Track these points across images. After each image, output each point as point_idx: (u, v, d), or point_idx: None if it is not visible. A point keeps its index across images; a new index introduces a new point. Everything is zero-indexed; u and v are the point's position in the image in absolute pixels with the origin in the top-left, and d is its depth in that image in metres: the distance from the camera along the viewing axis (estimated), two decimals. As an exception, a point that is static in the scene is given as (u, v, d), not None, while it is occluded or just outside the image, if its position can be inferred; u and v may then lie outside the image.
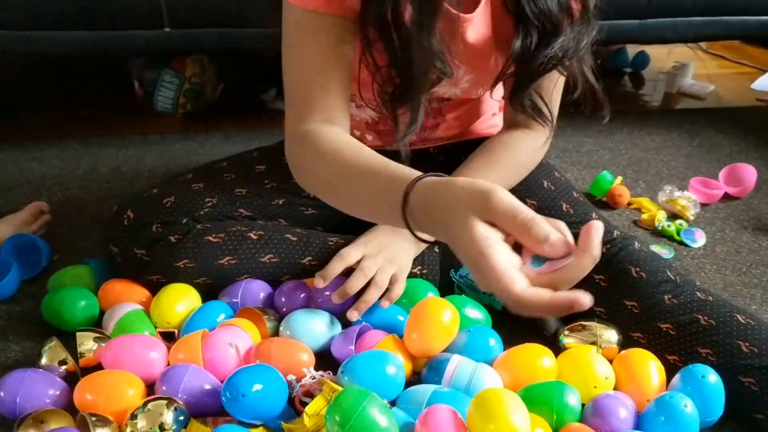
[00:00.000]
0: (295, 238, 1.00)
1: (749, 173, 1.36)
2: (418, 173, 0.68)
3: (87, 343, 0.89)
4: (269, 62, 1.78)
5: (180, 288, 0.97)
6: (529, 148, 1.01)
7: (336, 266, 0.93)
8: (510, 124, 1.02)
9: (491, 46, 0.93)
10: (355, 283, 0.93)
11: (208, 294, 0.99)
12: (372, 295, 0.93)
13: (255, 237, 0.98)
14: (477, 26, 0.90)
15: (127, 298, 0.98)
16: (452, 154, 1.09)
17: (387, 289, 0.94)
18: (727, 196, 1.35)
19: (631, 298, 0.92)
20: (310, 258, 0.99)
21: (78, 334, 0.89)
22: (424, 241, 0.72)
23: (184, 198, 1.00)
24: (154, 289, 0.98)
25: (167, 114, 1.62)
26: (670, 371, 0.85)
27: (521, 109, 0.95)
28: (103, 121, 1.63)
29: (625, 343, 0.92)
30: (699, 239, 1.19)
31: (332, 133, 0.81)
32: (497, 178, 0.95)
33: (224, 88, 1.68)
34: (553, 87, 0.96)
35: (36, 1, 1.24)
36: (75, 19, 1.27)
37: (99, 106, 1.71)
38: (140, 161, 1.43)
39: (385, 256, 0.95)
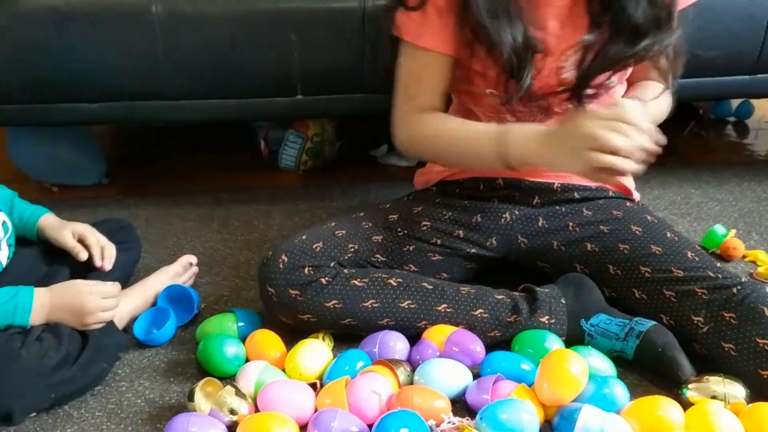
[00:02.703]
0: (430, 287, 1.09)
1: None
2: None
3: (232, 401, 0.95)
4: (381, 122, 1.91)
5: (311, 344, 1.06)
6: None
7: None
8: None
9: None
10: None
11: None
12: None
13: (395, 283, 1.07)
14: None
15: (265, 351, 1.07)
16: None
17: None
18: None
19: (764, 336, 0.95)
20: (445, 305, 1.07)
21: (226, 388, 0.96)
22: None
23: (330, 244, 1.10)
24: (294, 336, 1.08)
25: (289, 170, 1.75)
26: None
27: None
28: (230, 176, 1.76)
29: (752, 394, 0.94)
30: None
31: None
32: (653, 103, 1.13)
33: (341, 145, 1.79)
34: None
35: (186, 76, 1.39)
36: (218, 90, 1.42)
37: (225, 163, 1.85)
38: (269, 215, 1.55)
39: None
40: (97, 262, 1.16)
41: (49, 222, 1.18)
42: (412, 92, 1.13)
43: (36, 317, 1.01)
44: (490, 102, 1.15)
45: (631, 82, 1.19)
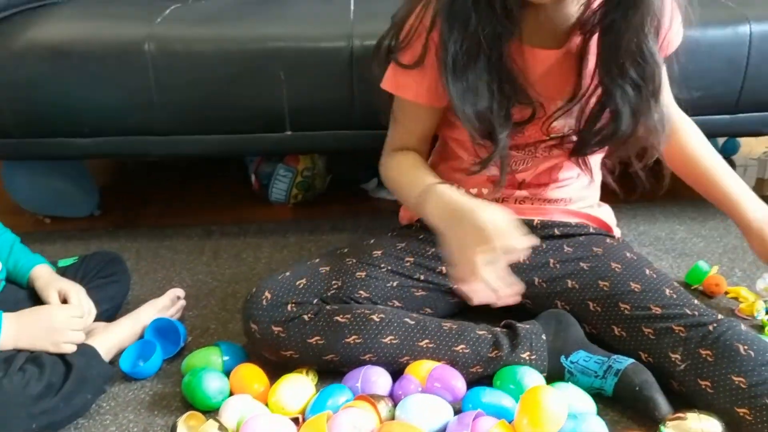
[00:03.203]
0: (412, 322, 1.10)
1: None
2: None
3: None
4: (371, 157, 1.93)
5: (294, 379, 1.07)
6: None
7: None
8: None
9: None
10: None
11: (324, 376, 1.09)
12: None
13: (377, 319, 1.08)
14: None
15: (249, 385, 1.08)
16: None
17: None
18: (827, 285, 1.36)
19: (739, 374, 0.96)
20: (427, 341, 1.08)
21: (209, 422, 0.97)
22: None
23: (314, 280, 1.12)
24: (278, 370, 1.09)
25: (280, 204, 1.77)
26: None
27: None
28: (221, 210, 1.78)
29: (728, 431, 0.94)
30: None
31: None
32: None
33: (331, 179, 1.82)
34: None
35: (178, 112, 1.42)
36: (209, 126, 1.44)
37: (216, 196, 1.87)
38: (258, 248, 1.56)
39: None
40: None
41: (40, 274, 1.20)
42: (392, 132, 1.21)
43: (5, 340, 1.03)
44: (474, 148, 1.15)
45: None
